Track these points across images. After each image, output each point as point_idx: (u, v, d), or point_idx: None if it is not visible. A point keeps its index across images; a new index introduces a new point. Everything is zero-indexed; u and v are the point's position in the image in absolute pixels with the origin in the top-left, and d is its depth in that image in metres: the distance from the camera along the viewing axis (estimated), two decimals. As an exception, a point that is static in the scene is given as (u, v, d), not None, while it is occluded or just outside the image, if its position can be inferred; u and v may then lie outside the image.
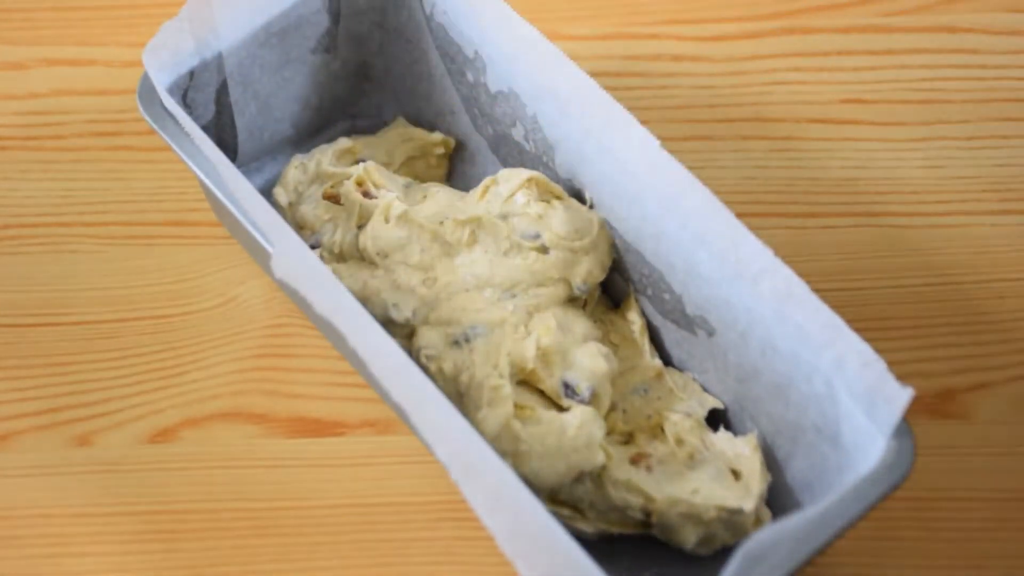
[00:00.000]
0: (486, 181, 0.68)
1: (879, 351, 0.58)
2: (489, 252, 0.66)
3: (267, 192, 0.72)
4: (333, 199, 0.69)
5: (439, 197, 0.68)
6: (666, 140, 0.64)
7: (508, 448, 0.62)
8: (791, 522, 0.54)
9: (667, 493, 0.62)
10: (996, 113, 0.78)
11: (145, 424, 0.68)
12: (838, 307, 0.59)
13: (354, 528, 0.66)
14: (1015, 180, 0.76)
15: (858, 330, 0.58)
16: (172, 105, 0.63)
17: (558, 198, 0.67)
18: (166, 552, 0.65)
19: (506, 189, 0.67)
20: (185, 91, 0.67)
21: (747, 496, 0.61)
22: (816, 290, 0.59)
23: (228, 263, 0.73)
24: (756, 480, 0.62)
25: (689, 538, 0.62)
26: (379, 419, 0.69)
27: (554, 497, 0.63)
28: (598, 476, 0.63)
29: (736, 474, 0.63)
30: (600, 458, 0.62)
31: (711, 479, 0.62)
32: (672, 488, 0.62)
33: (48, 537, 0.66)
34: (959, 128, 0.78)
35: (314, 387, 0.70)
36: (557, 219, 0.66)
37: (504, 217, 0.66)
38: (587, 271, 0.66)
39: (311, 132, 0.75)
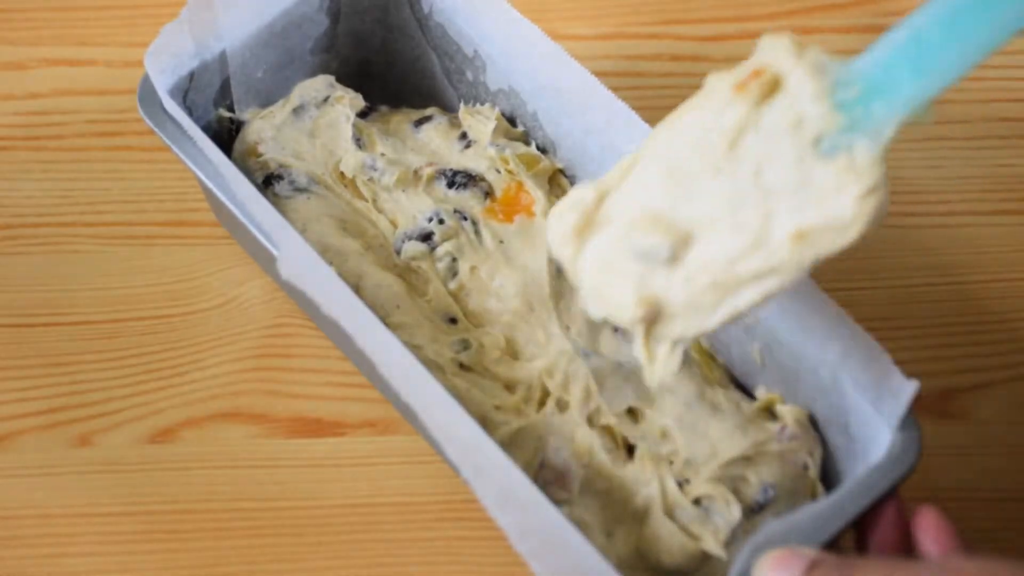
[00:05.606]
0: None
1: (880, 350, 0.58)
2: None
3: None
4: None
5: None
6: (666, 140, 0.64)
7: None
8: (799, 516, 0.54)
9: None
10: (996, 113, 0.78)
11: (145, 424, 0.68)
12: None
13: (354, 528, 0.66)
14: (1015, 180, 0.76)
15: (858, 330, 0.59)
16: (173, 108, 0.63)
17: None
18: (166, 552, 0.65)
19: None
20: (186, 92, 0.67)
21: None
22: (817, 289, 0.59)
23: (228, 263, 0.73)
24: None
25: None
26: (379, 419, 0.69)
27: None
28: None
29: None
30: None
31: None
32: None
33: (48, 537, 0.66)
34: (959, 128, 0.78)
35: (314, 387, 0.69)
36: None
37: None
38: None
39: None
